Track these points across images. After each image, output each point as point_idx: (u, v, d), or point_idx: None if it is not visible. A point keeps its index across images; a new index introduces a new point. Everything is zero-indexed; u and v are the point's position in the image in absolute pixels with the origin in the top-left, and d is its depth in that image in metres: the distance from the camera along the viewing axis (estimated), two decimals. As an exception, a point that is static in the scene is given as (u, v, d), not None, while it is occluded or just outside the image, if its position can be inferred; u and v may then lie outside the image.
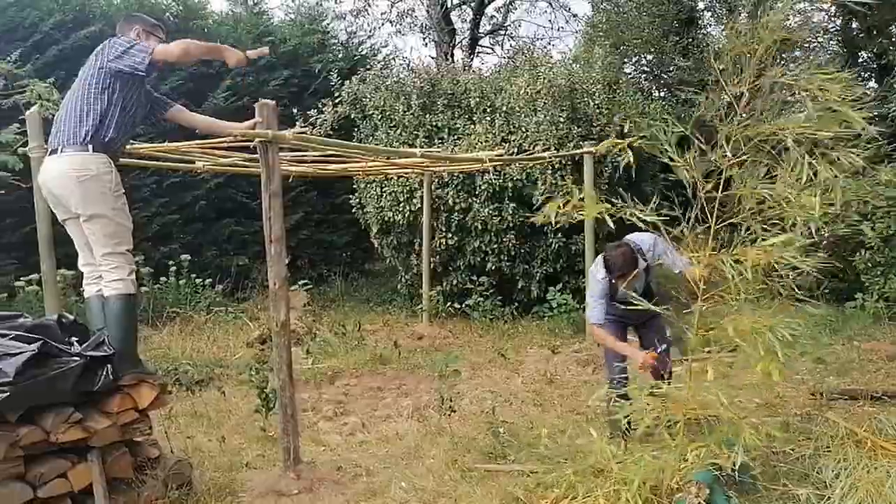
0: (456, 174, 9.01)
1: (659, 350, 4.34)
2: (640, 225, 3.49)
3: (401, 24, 20.91)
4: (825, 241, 6.75)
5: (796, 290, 3.32)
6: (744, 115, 3.43)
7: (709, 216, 3.50)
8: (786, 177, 3.25)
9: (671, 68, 14.63)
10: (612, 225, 3.49)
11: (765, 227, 3.35)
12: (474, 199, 9.11)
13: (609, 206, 3.48)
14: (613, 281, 4.37)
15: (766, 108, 3.44)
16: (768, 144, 3.36)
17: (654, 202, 3.53)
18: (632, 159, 3.49)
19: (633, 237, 4.42)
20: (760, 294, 3.37)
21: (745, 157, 3.41)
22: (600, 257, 4.46)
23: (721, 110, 3.50)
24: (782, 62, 3.47)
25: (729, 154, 3.38)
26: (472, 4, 21.44)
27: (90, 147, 3.91)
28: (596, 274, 4.50)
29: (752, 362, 3.23)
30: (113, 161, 4.01)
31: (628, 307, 4.26)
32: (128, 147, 4.60)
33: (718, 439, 3.47)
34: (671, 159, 3.46)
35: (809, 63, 3.48)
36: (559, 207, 3.51)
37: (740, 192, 3.38)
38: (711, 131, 3.50)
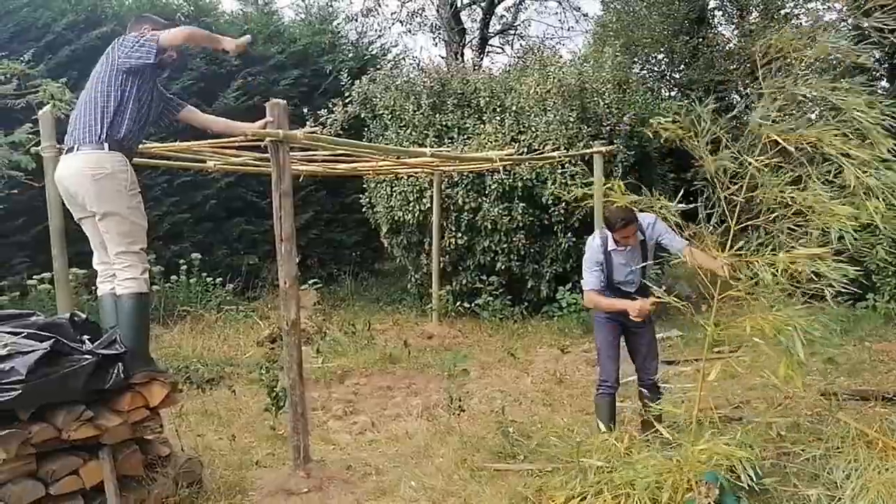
0: (466, 174, 9.01)
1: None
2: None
3: (411, 24, 20.93)
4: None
5: (817, 294, 3.31)
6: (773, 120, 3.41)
7: (729, 217, 3.50)
8: (816, 185, 3.24)
9: (681, 67, 14.60)
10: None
11: (791, 229, 3.35)
12: (484, 198, 9.10)
13: (636, 197, 3.49)
14: (614, 241, 4.38)
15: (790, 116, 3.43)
16: (797, 150, 3.34)
17: (676, 200, 3.55)
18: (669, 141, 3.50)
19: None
20: (780, 295, 3.36)
21: (771, 161, 3.40)
22: (597, 229, 4.42)
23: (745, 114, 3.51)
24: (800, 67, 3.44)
25: (754, 158, 3.37)
26: (482, 4, 21.43)
27: (106, 145, 3.94)
28: (592, 243, 4.53)
29: (766, 361, 3.21)
30: (128, 159, 4.04)
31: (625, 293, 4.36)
32: (140, 146, 4.62)
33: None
34: (700, 157, 3.46)
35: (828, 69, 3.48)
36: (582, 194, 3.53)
37: (765, 195, 3.37)
38: (738, 132, 3.51)
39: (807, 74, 3.35)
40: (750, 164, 3.36)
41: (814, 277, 3.22)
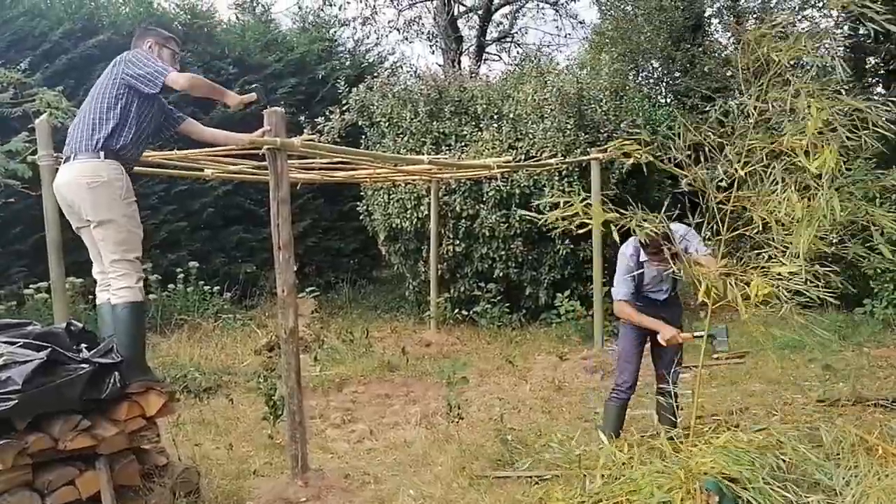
0: (463, 181, 9.01)
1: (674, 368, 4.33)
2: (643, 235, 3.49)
3: (408, 32, 20.98)
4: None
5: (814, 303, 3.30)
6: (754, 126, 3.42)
7: (720, 226, 3.49)
8: (793, 196, 3.23)
9: (677, 74, 14.63)
10: (616, 237, 3.48)
11: (769, 242, 3.35)
12: (482, 205, 9.10)
13: (616, 214, 3.46)
14: (644, 259, 4.31)
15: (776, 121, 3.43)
16: (778, 159, 3.34)
17: (664, 209, 3.53)
18: (640, 160, 3.48)
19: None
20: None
21: (754, 168, 3.41)
22: (631, 238, 4.30)
23: (732, 121, 3.50)
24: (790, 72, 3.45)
25: (738, 166, 3.37)
26: (480, 12, 21.49)
27: (101, 154, 3.94)
28: (625, 251, 4.42)
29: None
30: (125, 169, 4.04)
31: (654, 306, 4.36)
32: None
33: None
34: (678, 166, 3.46)
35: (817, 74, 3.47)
36: (561, 214, 3.49)
37: (752, 204, 3.37)
38: (723, 141, 3.50)
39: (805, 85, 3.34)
40: (735, 171, 3.36)
41: (800, 291, 3.21)
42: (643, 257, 4.35)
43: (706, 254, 4.10)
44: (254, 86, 4.47)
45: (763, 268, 3.31)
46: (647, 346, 4.67)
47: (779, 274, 3.19)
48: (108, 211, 3.95)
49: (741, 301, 3.21)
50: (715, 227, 3.58)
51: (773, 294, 3.18)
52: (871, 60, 13.71)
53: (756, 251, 3.45)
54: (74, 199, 3.99)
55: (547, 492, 3.79)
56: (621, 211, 3.47)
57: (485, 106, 9.50)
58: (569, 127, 8.77)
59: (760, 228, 3.41)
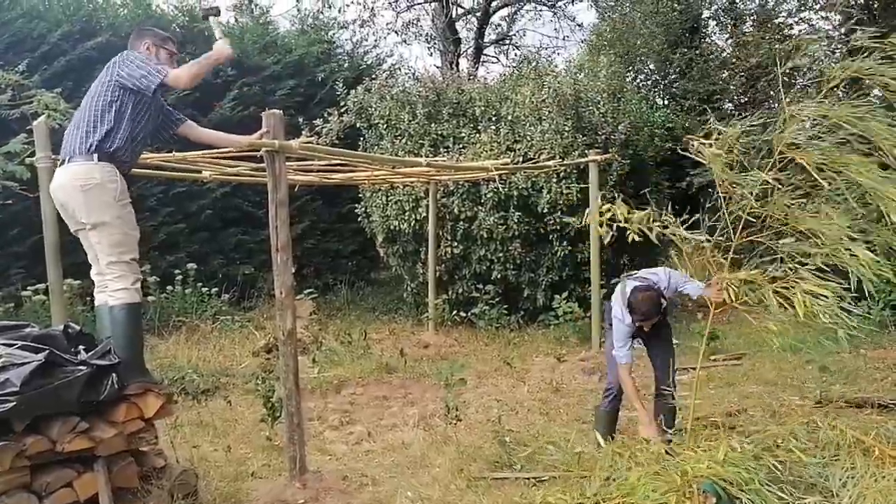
0: (461, 183, 9.02)
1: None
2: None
3: (406, 34, 21.00)
4: None
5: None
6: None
7: (732, 233, 3.50)
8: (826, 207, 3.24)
9: (675, 77, 14.66)
10: (608, 236, 3.50)
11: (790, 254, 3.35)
12: (480, 207, 9.11)
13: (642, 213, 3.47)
14: (638, 324, 4.39)
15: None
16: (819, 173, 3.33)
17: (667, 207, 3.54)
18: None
19: (646, 275, 4.43)
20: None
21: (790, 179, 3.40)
22: (620, 294, 4.38)
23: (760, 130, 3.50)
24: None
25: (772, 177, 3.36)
26: (478, 14, 21.51)
27: (95, 156, 3.93)
28: (623, 319, 4.42)
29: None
30: (120, 171, 4.03)
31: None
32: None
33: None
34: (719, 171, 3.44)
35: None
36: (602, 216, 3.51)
37: (773, 211, 3.36)
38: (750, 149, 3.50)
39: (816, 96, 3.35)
40: (776, 182, 3.35)
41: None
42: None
43: (700, 289, 4.22)
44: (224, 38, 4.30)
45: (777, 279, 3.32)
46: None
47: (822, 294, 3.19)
48: (102, 213, 3.94)
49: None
50: (727, 234, 3.57)
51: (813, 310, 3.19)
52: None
53: (762, 258, 3.44)
54: (69, 201, 3.98)
55: (545, 493, 3.79)
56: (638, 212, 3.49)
57: (483, 108, 9.51)
58: (566, 129, 8.79)
59: (774, 237, 3.41)
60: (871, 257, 3.17)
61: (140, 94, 4.03)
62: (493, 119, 9.36)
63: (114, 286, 3.98)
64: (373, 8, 19.87)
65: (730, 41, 14.80)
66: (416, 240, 9.69)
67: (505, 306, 9.17)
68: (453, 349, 8.35)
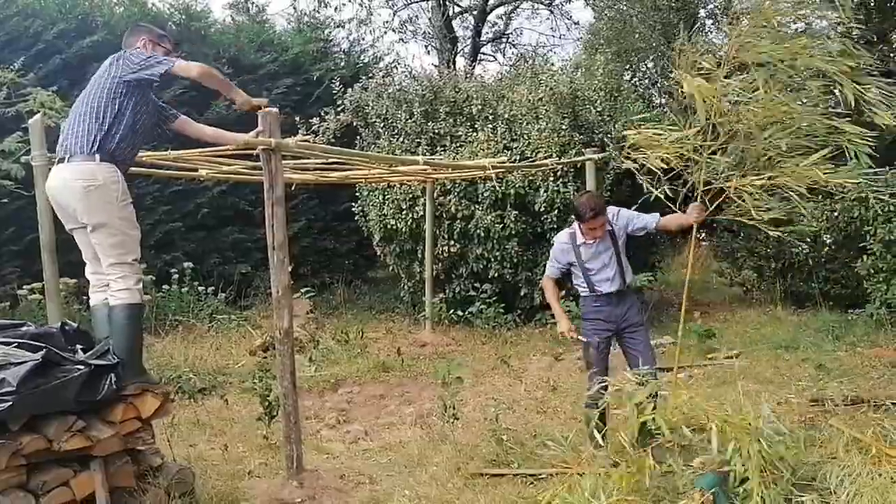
0: (458, 182, 9.01)
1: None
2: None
3: (403, 33, 21.00)
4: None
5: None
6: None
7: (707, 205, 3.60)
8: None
9: (671, 74, 14.68)
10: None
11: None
12: (477, 206, 9.11)
13: None
14: (582, 234, 4.57)
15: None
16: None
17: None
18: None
19: None
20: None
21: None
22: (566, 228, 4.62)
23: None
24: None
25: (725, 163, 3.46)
26: (475, 12, 21.51)
27: (97, 156, 3.89)
28: (559, 238, 4.81)
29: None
30: (120, 170, 4.01)
31: (609, 303, 4.57)
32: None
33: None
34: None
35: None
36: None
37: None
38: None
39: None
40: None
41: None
42: (580, 240, 4.63)
43: (656, 219, 4.53)
44: (263, 99, 4.41)
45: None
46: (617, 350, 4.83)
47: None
48: (103, 214, 3.91)
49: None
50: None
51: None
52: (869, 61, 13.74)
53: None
54: (69, 201, 3.95)
55: (542, 491, 3.79)
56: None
57: (480, 106, 9.50)
58: (563, 127, 8.79)
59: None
60: (859, 130, 3.28)
61: (141, 91, 4.01)
62: (490, 118, 9.35)
63: (115, 286, 3.95)
64: (370, 6, 19.90)
65: (726, 40, 14.82)
66: (413, 238, 9.67)
67: (502, 305, 9.16)
68: (450, 348, 8.35)
